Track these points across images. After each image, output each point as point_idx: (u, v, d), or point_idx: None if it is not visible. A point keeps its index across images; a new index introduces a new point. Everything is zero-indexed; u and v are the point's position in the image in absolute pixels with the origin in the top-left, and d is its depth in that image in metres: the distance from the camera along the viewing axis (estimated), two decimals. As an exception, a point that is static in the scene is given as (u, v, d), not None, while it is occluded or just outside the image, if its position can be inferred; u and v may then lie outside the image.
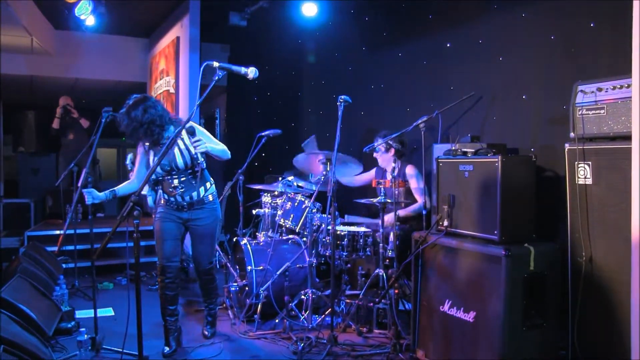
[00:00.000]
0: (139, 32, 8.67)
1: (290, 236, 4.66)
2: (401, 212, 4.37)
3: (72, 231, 5.05)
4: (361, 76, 5.72)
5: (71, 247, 5.21)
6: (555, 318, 3.01)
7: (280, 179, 4.95)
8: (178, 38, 7.08)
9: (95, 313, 3.52)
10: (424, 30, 4.88)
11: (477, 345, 2.97)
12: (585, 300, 2.87)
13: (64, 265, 5.18)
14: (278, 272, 4.17)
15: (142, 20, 7.95)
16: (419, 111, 4.16)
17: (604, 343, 2.80)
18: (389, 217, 4.16)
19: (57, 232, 6.42)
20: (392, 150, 4.43)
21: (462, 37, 4.41)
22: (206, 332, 3.90)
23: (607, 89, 2.84)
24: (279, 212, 4.61)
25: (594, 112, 2.90)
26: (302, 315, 4.05)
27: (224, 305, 4.59)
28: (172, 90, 7.34)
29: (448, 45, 4.55)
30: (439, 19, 4.69)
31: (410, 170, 4.46)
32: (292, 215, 4.52)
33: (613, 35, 3.13)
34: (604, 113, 2.85)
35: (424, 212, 3.75)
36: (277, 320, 4.04)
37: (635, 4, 2.37)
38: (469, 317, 3.04)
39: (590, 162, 2.88)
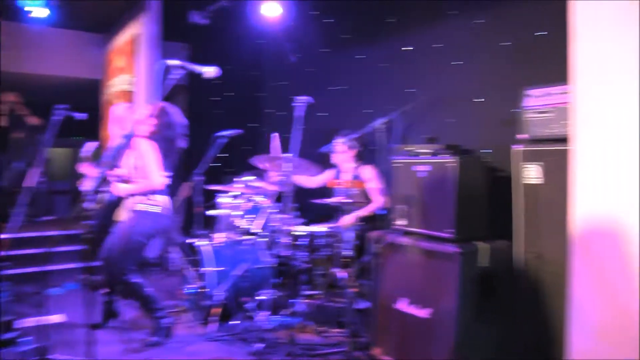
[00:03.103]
0: (94, 27, 8.45)
1: (249, 237, 4.64)
2: (360, 212, 4.41)
3: (16, 235, 4.87)
4: (323, 77, 5.75)
5: (16, 252, 5.01)
6: (508, 314, 3.11)
7: (239, 179, 4.92)
8: (137, 35, 6.94)
9: (42, 320, 3.38)
10: (385, 34, 4.95)
11: (433, 341, 3.04)
12: (534, 296, 2.98)
13: (6, 272, 4.98)
14: (236, 274, 4.15)
15: (98, 15, 7.75)
16: (379, 113, 4.23)
17: (554, 338, 2.90)
18: (347, 218, 4.19)
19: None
20: (352, 151, 4.48)
21: (422, 41, 4.51)
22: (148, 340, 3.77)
23: (554, 93, 2.97)
24: (238, 213, 4.59)
25: (542, 115, 3.01)
26: (261, 316, 4.03)
27: (181, 308, 4.53)
28: (130, 89, 7.20)
29: (408, 48, 4.64)
30: (400, 23, 4.77)
31: (368, 171, 4.52)
32: (250, 216, 4.50)
33: (563, 43, 3.25)
34: (551, 116, 2.97)
35: (382, 212, 3.81)
36: (235, 322, 4.02)
37: (571, 12, 2.49)
38: (425, 314, 3.10)
39: (537, 163, 2.99)
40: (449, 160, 3.07)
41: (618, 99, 2.31)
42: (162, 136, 3.78)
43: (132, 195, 3.76)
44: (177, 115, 3.94)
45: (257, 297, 4.09)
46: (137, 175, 3.72)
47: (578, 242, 2.46)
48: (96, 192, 4.32)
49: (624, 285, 2.25)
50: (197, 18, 6.20)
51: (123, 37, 7.62)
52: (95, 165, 4.37)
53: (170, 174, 3.77)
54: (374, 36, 5.07)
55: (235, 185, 4.78)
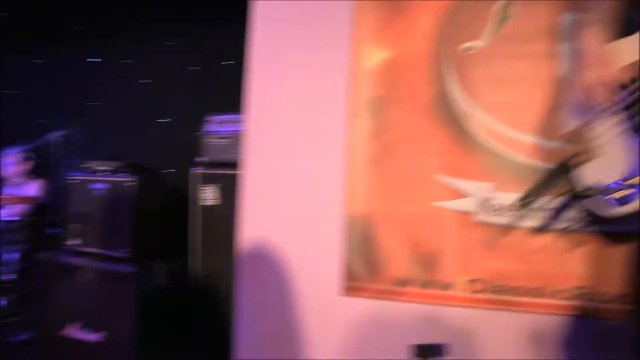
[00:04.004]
0: None
1: None
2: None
3: None
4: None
5: None
6: (186, 329, 3.19)
7: None
8: None
9: None
10: (70, 41, 4.63)
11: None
12: (212, 310, 3.12)
13: None
14: None
15: None
16: (57, 124, 3.93)
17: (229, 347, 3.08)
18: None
19: None
20: (24, 164, 4.09)
21: (110, 54, 4.38)
22: None
23: (233, 121, 3.21)
24: None
25: (220, 140, 3.23)
26: None
27: None
28: None
29: (95, 60, 4.44)
30: (88, 33, 4.53)
31: (38, 186, 4.15)
32: None
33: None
34: (228, 142, 3.20)
35: (53, 231, 3.53)
36: None
37: (249, 47, 2.76)
38: (98, 337, 2.98)
39: (215, 185, 3.18)
40: (128, 179, 3.04)
41: (281, 134, 2.61)
42: None
43: None
44: None
45: None
46: None
47: (243, 259, 2.68)
48: None
49: (282, 298, 2.53)
50: None
51: None
52: None
53: None
54: (57, 41, 4.70)
55: None
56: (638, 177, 1.27)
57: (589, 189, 1.31)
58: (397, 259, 2.27)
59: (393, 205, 2.29)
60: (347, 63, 2.40)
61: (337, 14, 2.45)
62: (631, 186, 1.24)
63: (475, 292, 2.13)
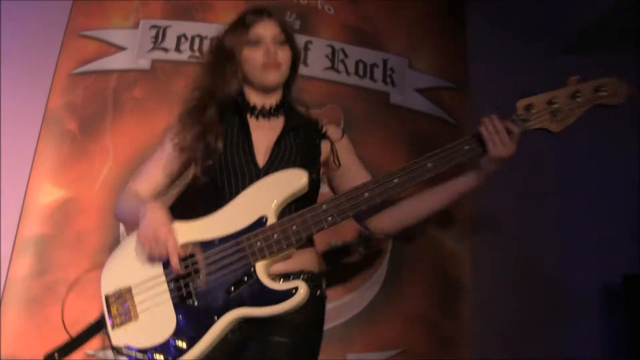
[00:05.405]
0: None
1: None
2: None
3: None
4: None
5: None
6: None
7: None
8: None
9: None
10: None
11: None
12: None
13: None
14: None
15: None
16: None
17: None
18: None
19: None
20: None
21: None
22: None
23: None
24: None
25: None
26: None
27: None
28: None
29: None
30: None
31: None
32: None
33: None
34: None
35: None
36: None
37: None
38: None
39: None
40: None
41: None
42: None
43: None
44: None
45: None
46: None
47: None
48: None
49: None
50: None
51: None
52: None
53: None
54: None
55: None
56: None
57: (122, 348, 1.36)
58: (43, 409, 2.16)
59: (48, 350, 2.20)
60: (23, 197, 2.33)
61: (24, 144, 2.40)
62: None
63: None
